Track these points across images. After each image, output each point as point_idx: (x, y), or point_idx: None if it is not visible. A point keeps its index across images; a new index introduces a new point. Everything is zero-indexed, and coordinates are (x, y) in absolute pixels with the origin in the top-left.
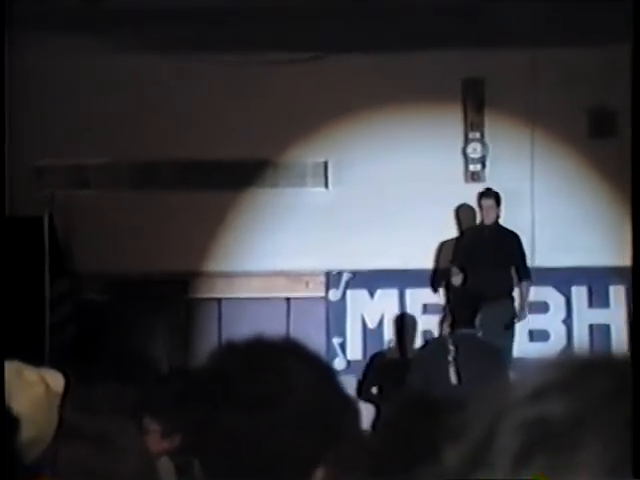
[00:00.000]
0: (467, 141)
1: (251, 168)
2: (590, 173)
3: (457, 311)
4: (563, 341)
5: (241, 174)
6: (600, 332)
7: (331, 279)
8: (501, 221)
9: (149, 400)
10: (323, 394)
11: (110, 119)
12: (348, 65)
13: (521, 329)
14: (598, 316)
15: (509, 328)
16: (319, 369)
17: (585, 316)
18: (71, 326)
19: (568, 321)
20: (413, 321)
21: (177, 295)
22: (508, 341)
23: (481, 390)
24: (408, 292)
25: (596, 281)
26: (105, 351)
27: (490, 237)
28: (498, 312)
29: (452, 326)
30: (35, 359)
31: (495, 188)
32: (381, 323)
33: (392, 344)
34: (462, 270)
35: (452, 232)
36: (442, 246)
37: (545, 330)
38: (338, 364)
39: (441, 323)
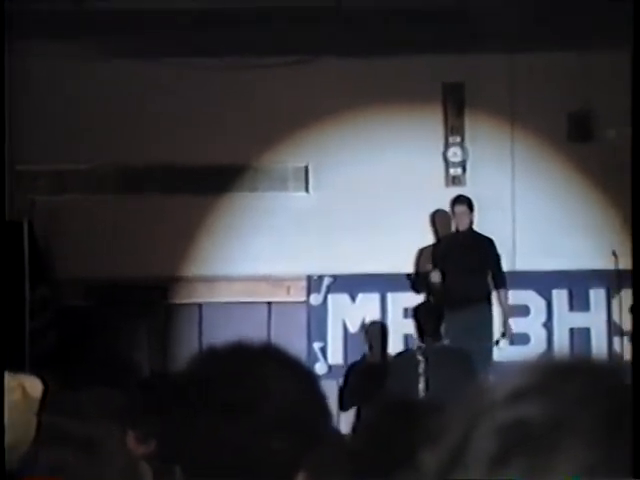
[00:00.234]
0: (447, 145)
1: (232, 172)
2: (570, 176)
3: (423, 321)
4: (544, 345)
5: (222, 178)
6: (581, 335)
7: (312, 283)
8: (481, 225)
9: (127, 404)
10: (303, 399)
11: (91, 124)
12: (329, 70)
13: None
14: (579, 319)
15: (498, 343)
16: (300, 374)
17: (566, 319)
18: (51, 332)
19: (549, 324)
20: (383, 327)
21: (158, 300)
22: (486, 345)
23: (458, 394)
24: (389, 296)
25: (577, 284)
26: (86, 356)
27: (464, 243)
28: (474, 317)
29: (421, 338)
30: (15, 365)
31: (476, 192)
32: (362, 328)
33: (367, 350)
34: (442, 274)
35: (433, 236)
36: (421, 252)
37: (526, 333)
38: (319, 369)
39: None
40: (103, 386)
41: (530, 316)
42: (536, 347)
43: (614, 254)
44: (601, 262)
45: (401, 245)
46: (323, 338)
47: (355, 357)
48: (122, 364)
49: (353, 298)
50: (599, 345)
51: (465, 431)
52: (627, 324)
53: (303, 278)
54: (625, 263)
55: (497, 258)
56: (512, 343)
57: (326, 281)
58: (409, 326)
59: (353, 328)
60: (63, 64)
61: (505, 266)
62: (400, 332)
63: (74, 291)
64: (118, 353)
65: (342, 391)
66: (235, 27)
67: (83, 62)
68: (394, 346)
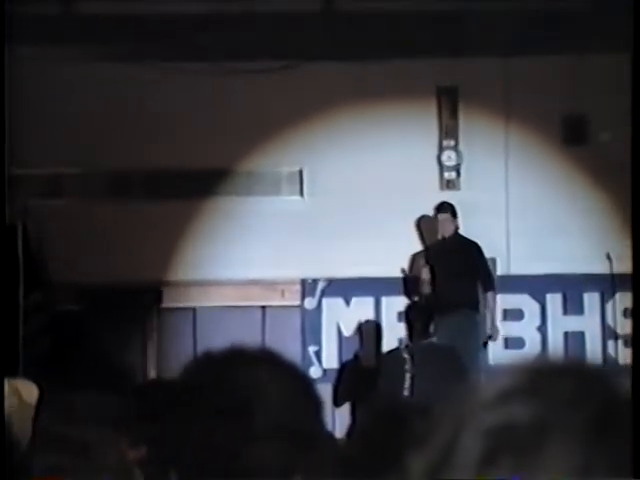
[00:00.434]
0: (442, 149)
1: (226, 177)
2: (564, 180)
3: (414, 322)
4: (538, 348)
5: (216, 183)
6: (575, 339)
7: (306, 287)
8: (475, 229)
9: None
10: (299, 403)
11: (86, 128)
12: (322, 74)
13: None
14: (573, 323)
15: (486, 346)
16: (295, 378)
17: (560, 323)
18: (45, 336)
19: (543, 328)
20: (377, 326)
21: (152, 304)
22: (474, 347)
23: (444, 391)
24: (384, 300)
25: (571, 288)
26: (79, 361)
27: (450, 249)
28: (462, 321)
29: (410, 337)
30: (9, 370)
31: (470, 196)
32: (357, 331)
33: (359, 352)
34: (432, 274)
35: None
36: (413, 258)
37: (520, 337)
38: (314, 372)
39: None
40: (96, 390)
41: (524, 320)
42: (530, 351)
43: (608, 258)
44: (595, 266)
45: (396, 249)
46: (318, 342)
47: (349, 361)
48: (116, 368)
49: (347, 302)
50: (593, 349)
51: (453, 433)
52: (621, 328)
53: (297, 282)
54: (619, 267)
55: (484, 262)
56: (506, 347)
57: (320, 285)
58: (403, 330)
59: (347, 332)
60: (60, 68)
61: (499, 270)
62: (394, 336)
63: (67, 295)
64: (111, 357)
65: (336, 387)
66: (228, 31)
67: (79, 66)
68: (388, 349)
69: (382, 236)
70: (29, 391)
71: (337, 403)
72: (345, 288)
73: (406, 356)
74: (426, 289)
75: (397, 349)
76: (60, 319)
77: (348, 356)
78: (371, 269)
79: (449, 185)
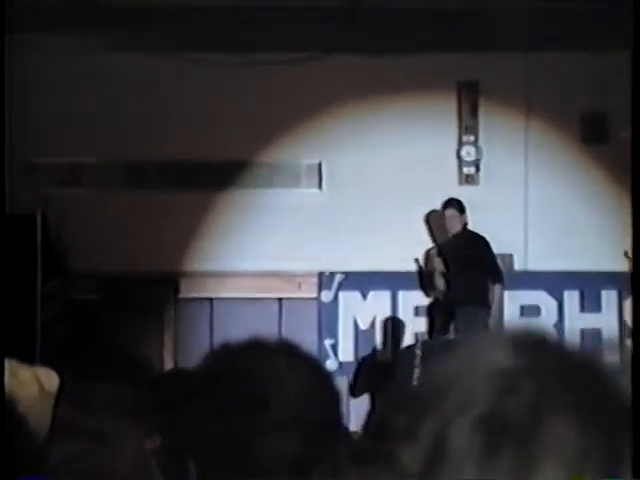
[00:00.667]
0: (461, 144)
1: (245, 169)
2: (583, 177)
3: (435, 319)
4: None
5: (235, 174)
6: (592, 337)
7: (323, 280)
8: (493, 224)
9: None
10: (317, 397)
11: (103, 118)
12: (343, 67)
13: None
14: (590, 321)
15: None
16: (314, 372)
17: (577, 320)
18: (61, 325)
19: (560, 325)
20: (402, 324)
21: (169, 294)
22: None
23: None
24: (400, 294)
25: (588, 286)
26: (96, 350)
27: (458, 246)
28: (472, 318)
29: (430, 333)
30: (26, 358)
31: (489, 191)
32: (373, 325)
33: (381, 346)
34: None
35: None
36: (427, 254)
37: None
38: (330, 365)
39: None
40: (113, 380)
41: (541, 317)
42: None
43: (626, 255)
44: (613, 263)
45: (413, 244)
46: (334, 335)
47: (365, 354)
48: (132, 358)
49: (364, 295)
50: (611, 347)
51: (443, 423)
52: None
53: (314, 274)
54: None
55: (492, 256)
56: None
57: (337, 278)
58: (420, 324)
59: (364, 325)
60: (78, 58)
61: (517, 266)
62: (411, 330)
63: (85, 284)
64: (128, 347)
65: (355, 379)
66: (249, 22)
67: (98, 56)
68: (405, 343)
69: (400, 230)
70: (50, 380)
71: (355, 394)
72: (362, 281)
73: (418, 352)
74: (439, 282)
75: (412, 346)
76: (77, 308)
77: (364, 349)
78: (388, 263)
79: (468, 180)
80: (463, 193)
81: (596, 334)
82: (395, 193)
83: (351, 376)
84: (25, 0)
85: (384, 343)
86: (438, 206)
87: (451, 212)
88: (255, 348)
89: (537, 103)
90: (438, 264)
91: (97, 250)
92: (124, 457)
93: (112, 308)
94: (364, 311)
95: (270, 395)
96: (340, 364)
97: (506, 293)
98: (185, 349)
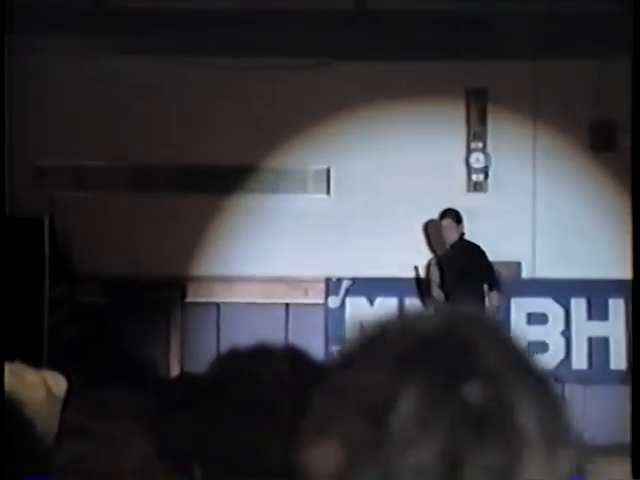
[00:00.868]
0: (470, 151)
1: (252, 173)
2: (592, 185)
3: None
4: (562, 353)
5: (242, 179)
6: (599, 345)
7: (331, 286)
8: (501, 232)
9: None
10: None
11: (109, 121)
12: (351, 73)
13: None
14: (597, 329)
15: None
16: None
17: (584, 328)
18: (69, 328)
19: (567, 333)
20: None
21: (175, 298)
22: None
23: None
24: (408, 301)
25: (596, 293)
26: (103, 353)
27: (454, 256)
28: None
29: None
30: (33, 361)
31: (497, 198)
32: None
33: None
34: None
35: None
36: (428, 264)
37: (544, 341)
38: None
39: None
40: (119, 383)
41: (548, 324)
42: (554, 356)
43: None
44: (621, 272)
45: (421, 250)
46: (340, 341)
47: None
48: (138, 362)
49: (371, 302)
50: (618, 355)
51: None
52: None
53: (322, 280)
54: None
55: (488, 263)
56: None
57: (345, 284)
58: None
59: None
60: (84, 61)
61: (525, 273)
62: None
63: (92, 288)
64: (134, 350)
65: None
66: (258, 27)
67: (104, 59)
68: None
69: (407, 237)
70: (58, 384)
71: None
72: (369, 288)
73: None
74: (436, 291)
75: None
76: (84, 311)
77: None
78: (396, 269)
79: (476, 187)
80: (471, 200)
81: (603, 342)
82: (403, 200)
83: None
84: (30, 3)
85: None
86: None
87: (448, 222)
88: (262, 354)
89: (545, 110)
90: (434, 275)
91: (104, 253)
92: (129, 460)
93: (119, 311)
94: (371, 317)
95: (277, 401)
96: None
97: (513, 301)
98: (191, 353)
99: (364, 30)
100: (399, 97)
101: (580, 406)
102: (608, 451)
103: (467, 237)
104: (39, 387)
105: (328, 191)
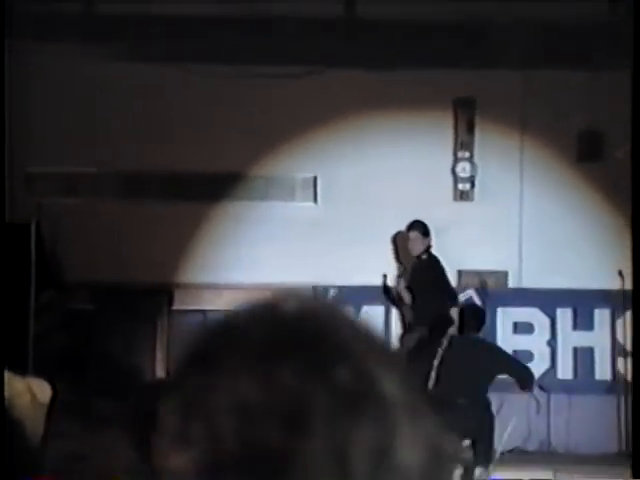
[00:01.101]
0: (457, 160)
1: (240, 180)
2: (578, 195)
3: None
4: (547, 363)
5: (230, 186)
6: (584, 355)
7: (317, 294)
8: (487, 241)
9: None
10: None
11: (100, 128)
12: (340, 81)
13: (506, 349)
14: (582, 339)
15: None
16: None
17: (569, 338)
18: (56, 334)
19: (552, 343)
20: (393, 339)
21: (162, 306)
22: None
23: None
24: (394, 309)
25: (581, 304)
26: (90, 360)
27: (418, 269)
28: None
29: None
30: (19, 367)
31: (483, 208)
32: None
33: None
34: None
35: (438, 249)
36: (399, 274)
37: (529, 351)
38: None
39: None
40: (105, 390)
41: (534, 334)
42: (539, 365)
43: (620, 274)
44: (607, 282)
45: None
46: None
47: None
48: (124, 368)
49: (358, 310)
50: (603, 364)
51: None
52: (631, 345)
53: (308, 288)
54: (631, 283)
55: (442, 274)
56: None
57: (331, 292)
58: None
59: None
60: (77, 68)
61: (511, 283)
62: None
63: (80, 294)
64: (121, 357)
65: None
66: (247, 36)
67: (98, 65)
68: None
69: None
70: (42, 390)
71: None
72: (356, 296)
73: (444, 342)
74: (406, 298)
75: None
76: (72, 318)
77: None
78: (382, 278)
79: (463, 196)
80: (457, 209)
81: (588, 352)
82: (390, 208)
83: None
84: (26, 9)
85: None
86: (433, 222)
87: (414, 234)
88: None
89: (532, 120)
90: (406, 297)
91: (92, 260)
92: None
93: (106, 318)
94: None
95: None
96: None
97: (499, 310)
98: (178, 360)
99: (354, 39)
100: (387, 106)
101: (565, 416)
102: (593, 460)
103: (452, 247)
104: (24, 394)
105: (315, 199)
